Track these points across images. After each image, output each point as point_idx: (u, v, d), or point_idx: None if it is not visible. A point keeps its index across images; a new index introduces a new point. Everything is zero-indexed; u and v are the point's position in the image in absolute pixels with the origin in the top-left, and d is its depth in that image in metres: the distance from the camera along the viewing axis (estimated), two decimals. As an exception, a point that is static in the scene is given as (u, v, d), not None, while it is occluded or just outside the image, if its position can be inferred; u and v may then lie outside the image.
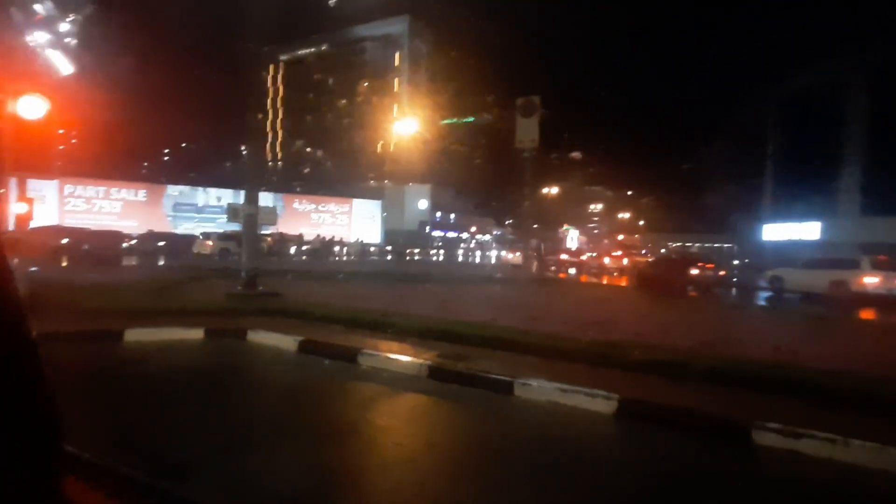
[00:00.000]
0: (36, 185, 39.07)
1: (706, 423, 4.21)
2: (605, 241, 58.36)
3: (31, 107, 7.32)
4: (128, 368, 5.79)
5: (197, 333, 7.04)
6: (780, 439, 3.82)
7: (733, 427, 4.07)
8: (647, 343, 6.68)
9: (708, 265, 20.84)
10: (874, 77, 31.61)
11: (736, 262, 32.46)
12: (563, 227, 67.23)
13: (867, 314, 13.70)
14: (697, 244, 50.20)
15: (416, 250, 45.61)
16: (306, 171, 70.84)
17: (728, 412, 4.28)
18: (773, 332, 8.79)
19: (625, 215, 70.64)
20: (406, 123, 53.80)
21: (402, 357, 5.92)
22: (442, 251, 52.27)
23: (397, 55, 70.40)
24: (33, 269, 11.86)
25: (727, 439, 4.05)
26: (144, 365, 5.92)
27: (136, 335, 6.70)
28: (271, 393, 5.19)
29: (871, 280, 15.77)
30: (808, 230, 34.78)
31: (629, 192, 72.94)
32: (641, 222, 67.93)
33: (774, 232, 37.93)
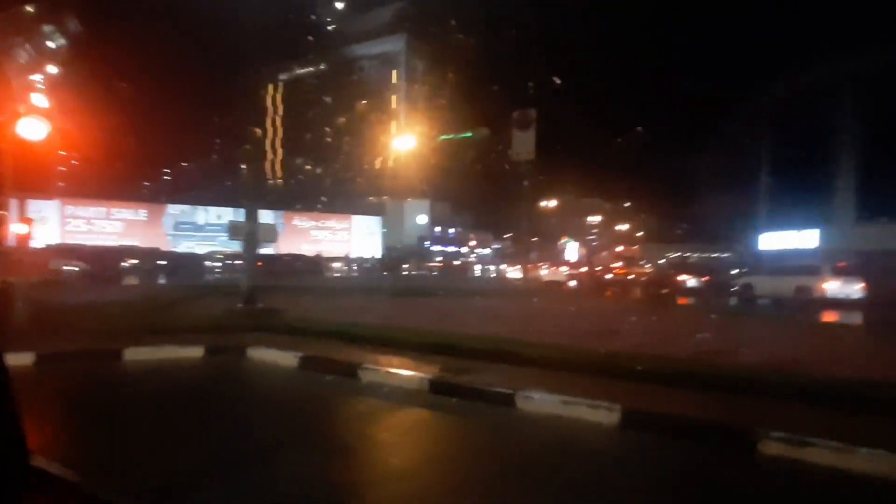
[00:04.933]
0: (37, 206, 39.19)
1: (710, 432, 4.17)
2: (605, 252, 58.37)
3: (32, 128, 7.37)
4: (125, 388, 5.77)
5: (196, 351, 7.01)
6: (785, 448, 3.78)
7: (738, 436, 4.03)
8: (649, 353, 6.65)
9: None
10: (866, 85, 31.92)
11: (735, 271, 32.44)
12: (562, 239, 67.26)
13: (831, 317, 14.47)
14: (696, 254, 50.18)
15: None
16: (306, 188, 71.08)
17: (732, 421, 4.24)
18: (767, 338, 8.78)
19: (623, 227, 70.68)
20: (404, 140, 54.21)
21: (402, 371, 5.88)
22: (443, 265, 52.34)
23: (394, 73, 71.14)
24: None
25: (732, 449, 4.00)
26: (142, 384, 5.89)
27: (134, 354, 6.67)
28: (271, 409, 5.15)
29: (830, 285, 17.17)
30: (807, 238, 34.84)
31: (627, 204, 73.11)
32: (640, 233, 67.98)
33: (772, 241, 37.96)
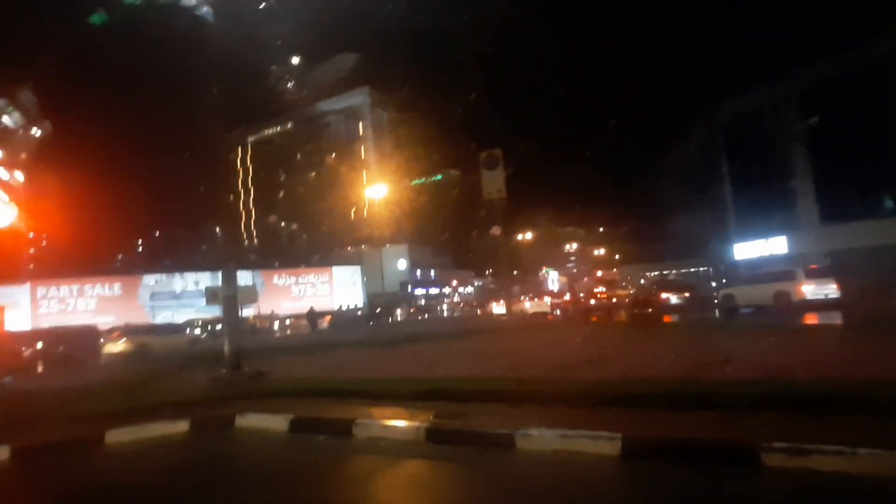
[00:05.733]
0: (7, 291, 38.21)
1: (712, 451, 4.13)
2: (586, 278, 58.94)
3: (-2, 214, 7.24)
4: (107, 475, 5.48)
5: (181, 426, 6.75)
6: (789, 458, 3.76)
7: (741, 451, 4.00)
8: (643, 376, 6.65)
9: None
10: (815, 93, 33.56)
11: (713, 283, 33.06)
12: (542, 269, 67.81)
13: (812, 319, 14.61)
14: (674, 271, 51.02)
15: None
16: (283, 245, 70.76)
17: (733, 437, 4.22)
18: (754, 347, 8.86)
19: (600, 251, 71.74)
20: (376, 188, 54.84)
21: (397, 423, 5.75)
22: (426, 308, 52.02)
23: (361, 125, 72.54)
24: (7, 379, 11.40)
25: (737, 465, 3.97)
26: (125, 469, 5.60)
27: (117, 436, 6.38)
28: (263, 480, 4.94)
29: (807, 288, 17.51)
30: (776, 245, 35.75)
31: (601, 229, 74.48)
32: (617, 256, 68.99)
33: (745, 251, 38.83)
